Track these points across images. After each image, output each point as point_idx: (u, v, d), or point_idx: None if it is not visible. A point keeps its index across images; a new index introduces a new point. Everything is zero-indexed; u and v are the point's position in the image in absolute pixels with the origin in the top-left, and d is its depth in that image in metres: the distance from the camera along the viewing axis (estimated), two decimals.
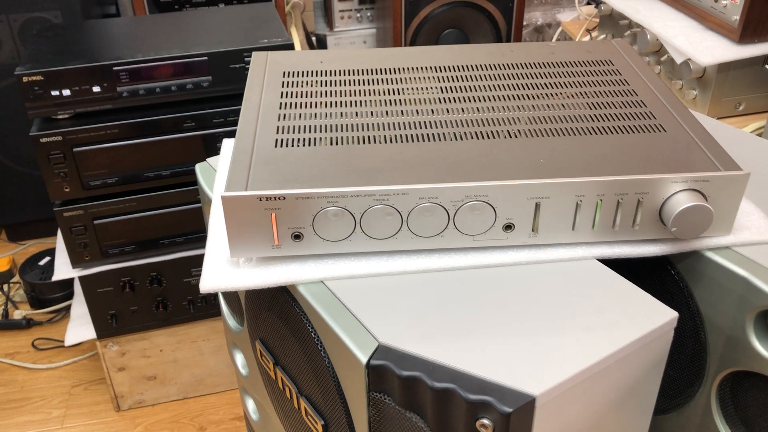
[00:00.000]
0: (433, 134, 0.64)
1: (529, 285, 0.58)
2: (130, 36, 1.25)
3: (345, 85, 0.72)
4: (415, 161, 0.60)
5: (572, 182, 0.58)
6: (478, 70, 0.75)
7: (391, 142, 0.63)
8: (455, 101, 0.69)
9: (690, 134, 0.64)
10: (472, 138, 0.63)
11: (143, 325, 1.38)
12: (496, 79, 0.73)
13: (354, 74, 0.74)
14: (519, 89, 0.71)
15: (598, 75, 0.74)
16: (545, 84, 0.72)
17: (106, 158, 1.18)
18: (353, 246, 0.60)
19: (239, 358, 0.84)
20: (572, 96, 0.70)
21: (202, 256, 1.33)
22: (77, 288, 1.49)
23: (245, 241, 0.59)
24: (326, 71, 0.75)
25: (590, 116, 0.67)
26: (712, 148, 0.61)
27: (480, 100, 0.69)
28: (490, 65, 0.76)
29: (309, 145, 0.62)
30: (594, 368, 0.51)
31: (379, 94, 0.70)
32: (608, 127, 0.65)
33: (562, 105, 0.69)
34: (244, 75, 1.20)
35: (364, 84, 0.72)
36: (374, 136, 0.64)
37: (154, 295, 1.34)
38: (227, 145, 0.78)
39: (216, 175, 0.74)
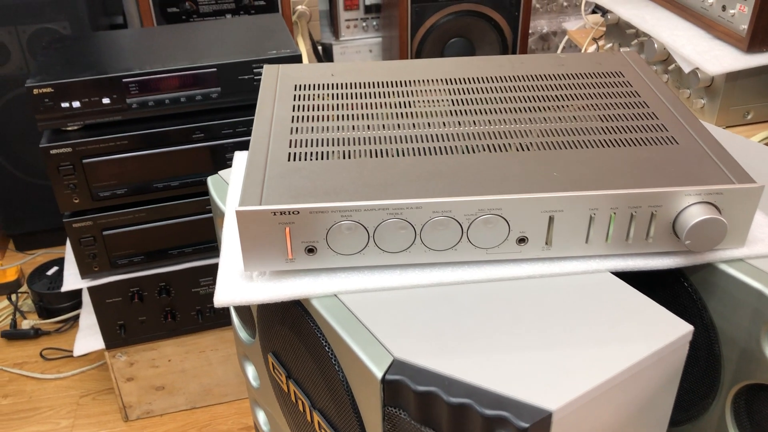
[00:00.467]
0: (445, 147, 0.64)
1: (543, 298, 0.58)
2: (138, 48, 1.25)
3: (356, 98, 0.72)
4: (428, 174, 0.60)
5: (586, 195, 0.58)
6: (488, 82, 0.76)
7: (403, 155, 0.63)
8: (466, 114, 0.69)
9: (702, 146, 0.64)
10: (484, 150, 0.63)
11: (152, 336, 1.38)
12: (506, 92, 0.73)
13: (365, 87, 0.75)
14: (530, 101, 0.72)
15: (608, 87, 0.74)
16: (556, 96, 0.72)
17: (116, 169, 1.18)
18: (366, 259, 0.60)
19: (250, 370, 0.84)
20: (583, 108, 0.70)
21: (210, 266, 1.33)
22: (85, 298, 1.49)
23: (259, 255, 0.59)
24: (337, 84, 0.75)
25: (602, 128, 0.67)
26: (725, 160, 0.61)
27: (491, 113, 0.69)
28: (500, 77, 0.77)
29: (322, 158, 0.63)
30: (610, 383, 0.51)
31: (391, 107, 0.71)
32: (620, 139, 0.65)
33: (574, 117, 0.69)
34: (253, 86, 1.20)
35: (375, 97, 0.73)
36: (386, 150, 0.64)
37: (162, 306, 1.34)
38: (239, 158, 0.79)
39: (228, 189, 0.74)
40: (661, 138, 0.65)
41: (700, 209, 0.58)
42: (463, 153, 0.63)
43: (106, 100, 1.15)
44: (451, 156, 0.63)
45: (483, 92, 0.73)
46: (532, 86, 0.75)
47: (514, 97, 0.72)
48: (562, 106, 0.71)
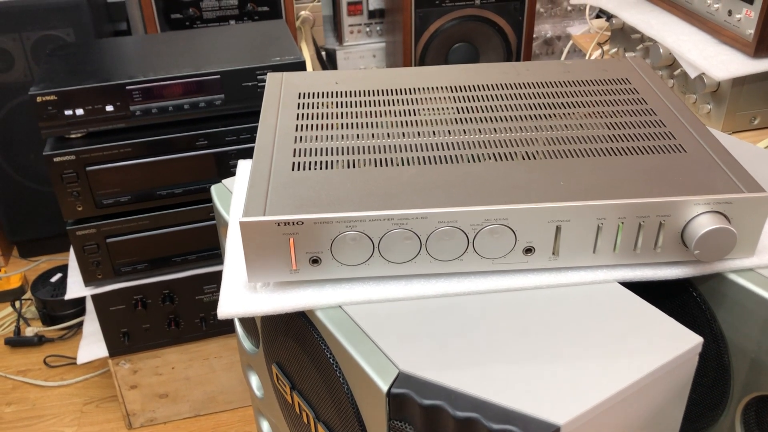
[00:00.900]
0: (450, 156, 0.63)
1: (550, 309, 0.58)
2: (142, 55, 1.25)
3: (360, 106, 0.72)
4: (433, 184, 0.59)
5: (593, 205, 0.57)
6: (493, 89, 0.75)
7: (408, 164, 0.62)
8: (472, 122, 0.69)
9: (711, 155, 0.63)
10: (490, 159, 0.63)
11: (155, 343, 1.37)
12: (512, 99, 0.73)
13: (369, 95, 0.74)
14: (536, 109, 0.71)
15: (615, 94, 0.74)
16: (562, 104, 0.72)
17: (119, 177, 1.18)
18: (371, 270, 0.59)
19: (254, 380, 0.83)
20: (590, 116, 0.70)
21: (214, 274, 1.32)
22: (89, 305, 1.49)
23: (263, 265, 0.58)
24: (341, 92, 0.75)
25: (609, 136, 0.66)
26: (734, 169, 0.61)
27: (497, 121, 0.69)
28: (505, 84, 0.76)
29: (326, 168, 0.62)
30: (618, 396, 0.50)
31: (395, 115, 0.70)
32: (628, 147, 0.64)
33: (580, 125, 0.68)
34: (256, 93, 1.20)
35: (379, 105, 0.72)
36: (391, 159, 0.63)
37: (166, 313, 1.34)
38: (243, 166, 0.78)
39: (232, 198, 0.74)
40: (668, 146, 0.64)
41: (709, 219, 0.57)
42: (469, 162, 0.62)
43: (109, 108, 1.14)
44: (457, 165, 0.62)
45: (488, 100, 0.73)
46: (537, 93, 0.74)
47: (519, 105, 0.72)
48: (569, 114, 0.70)
